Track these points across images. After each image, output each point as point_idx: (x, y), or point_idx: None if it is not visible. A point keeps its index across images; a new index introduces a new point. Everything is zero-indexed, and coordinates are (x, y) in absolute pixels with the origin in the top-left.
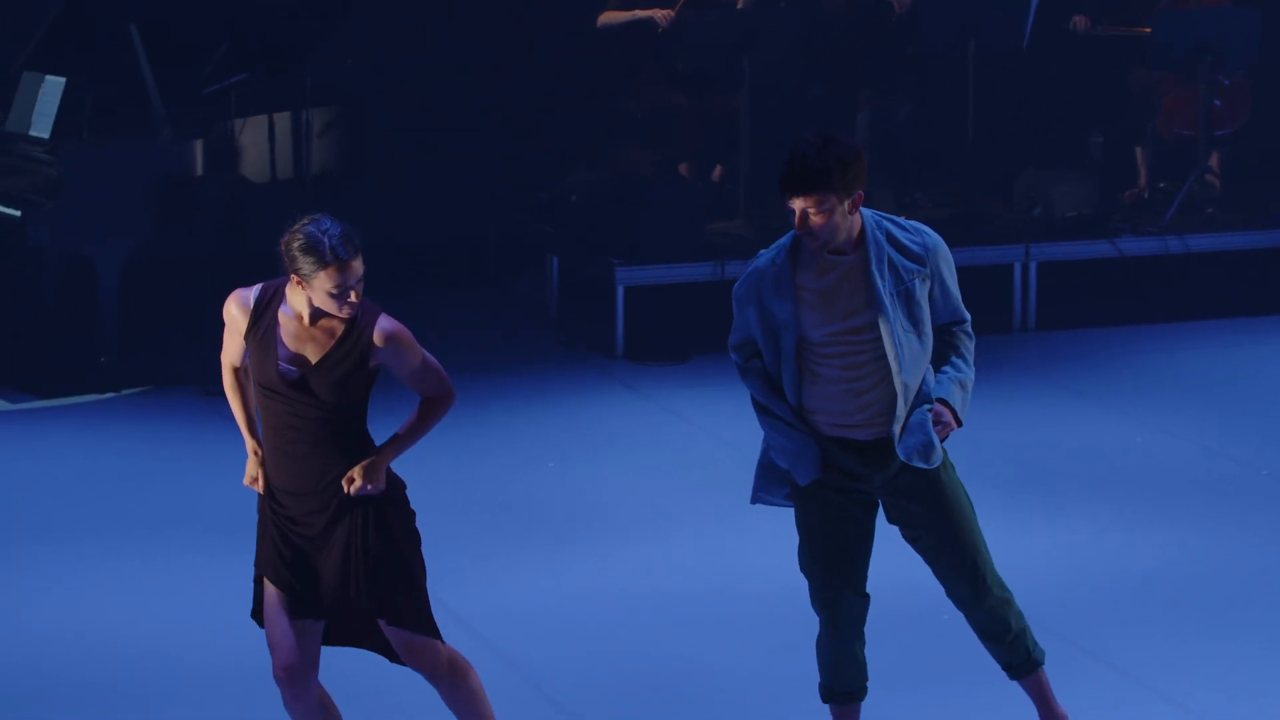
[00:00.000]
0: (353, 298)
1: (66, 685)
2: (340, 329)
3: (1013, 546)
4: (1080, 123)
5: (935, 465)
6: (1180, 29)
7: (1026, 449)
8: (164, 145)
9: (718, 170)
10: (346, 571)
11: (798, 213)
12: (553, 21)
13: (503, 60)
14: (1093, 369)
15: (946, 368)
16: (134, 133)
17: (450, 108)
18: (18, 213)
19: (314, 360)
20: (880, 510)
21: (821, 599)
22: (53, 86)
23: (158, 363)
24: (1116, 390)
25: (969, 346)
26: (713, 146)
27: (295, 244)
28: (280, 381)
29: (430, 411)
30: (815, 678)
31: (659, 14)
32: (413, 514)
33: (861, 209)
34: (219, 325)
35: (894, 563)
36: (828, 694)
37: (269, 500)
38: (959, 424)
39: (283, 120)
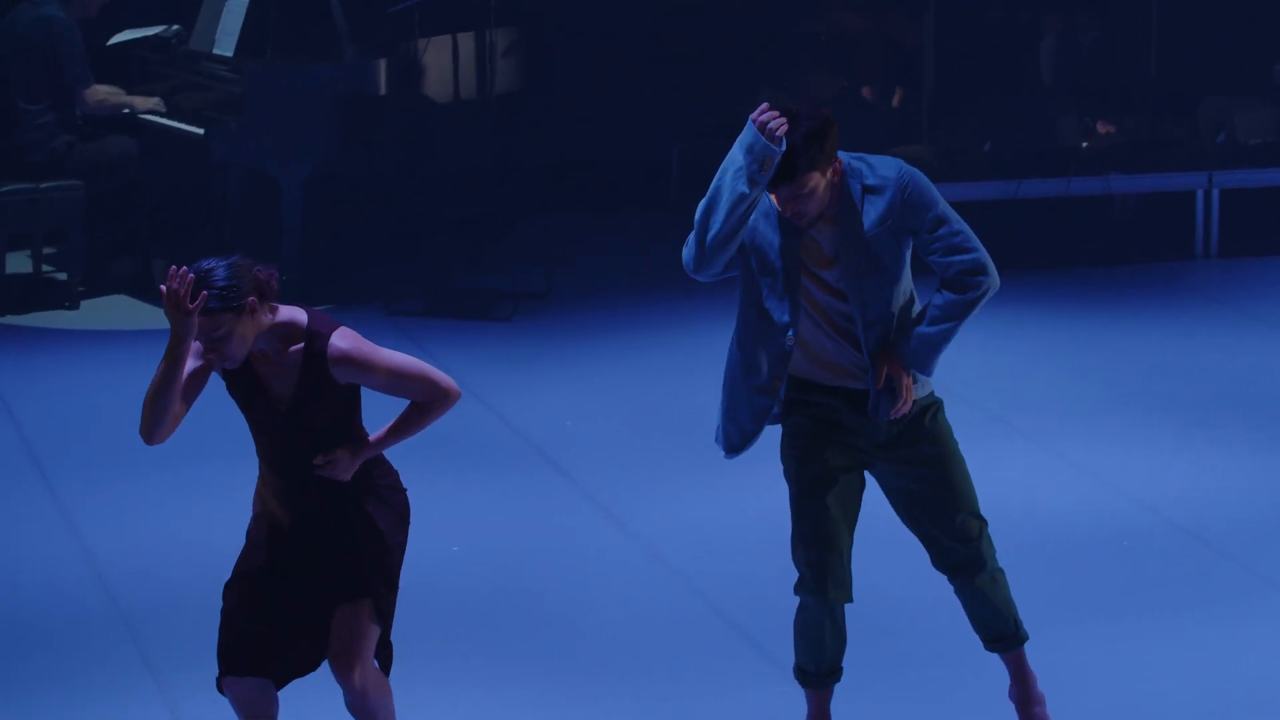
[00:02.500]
0: (214, 350)
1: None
2: (300, 359)
3: (1191, 473)
4: (1265, 49)
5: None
6: None
7: (1207, 375)
8: (347, 64)
9: (898, 94)
10: (329, 558)
11: (781, 200)
12: None
13: None
14: (1274, 296)
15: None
16: (318, 52)
17: (634, 29)
18: (201, 131)
19: (289, 396)
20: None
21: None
22: (237, 5)
23: (341, 281)
24: None
25: (961, 298)
26: (895, 70)
27: None
28: (269, 419)
29: (418, 414)
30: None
31: None
32: (404, 520)
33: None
34: (401, 244)
35: (1046, 490)
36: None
37: (267, 518)
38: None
39: (466, 40)
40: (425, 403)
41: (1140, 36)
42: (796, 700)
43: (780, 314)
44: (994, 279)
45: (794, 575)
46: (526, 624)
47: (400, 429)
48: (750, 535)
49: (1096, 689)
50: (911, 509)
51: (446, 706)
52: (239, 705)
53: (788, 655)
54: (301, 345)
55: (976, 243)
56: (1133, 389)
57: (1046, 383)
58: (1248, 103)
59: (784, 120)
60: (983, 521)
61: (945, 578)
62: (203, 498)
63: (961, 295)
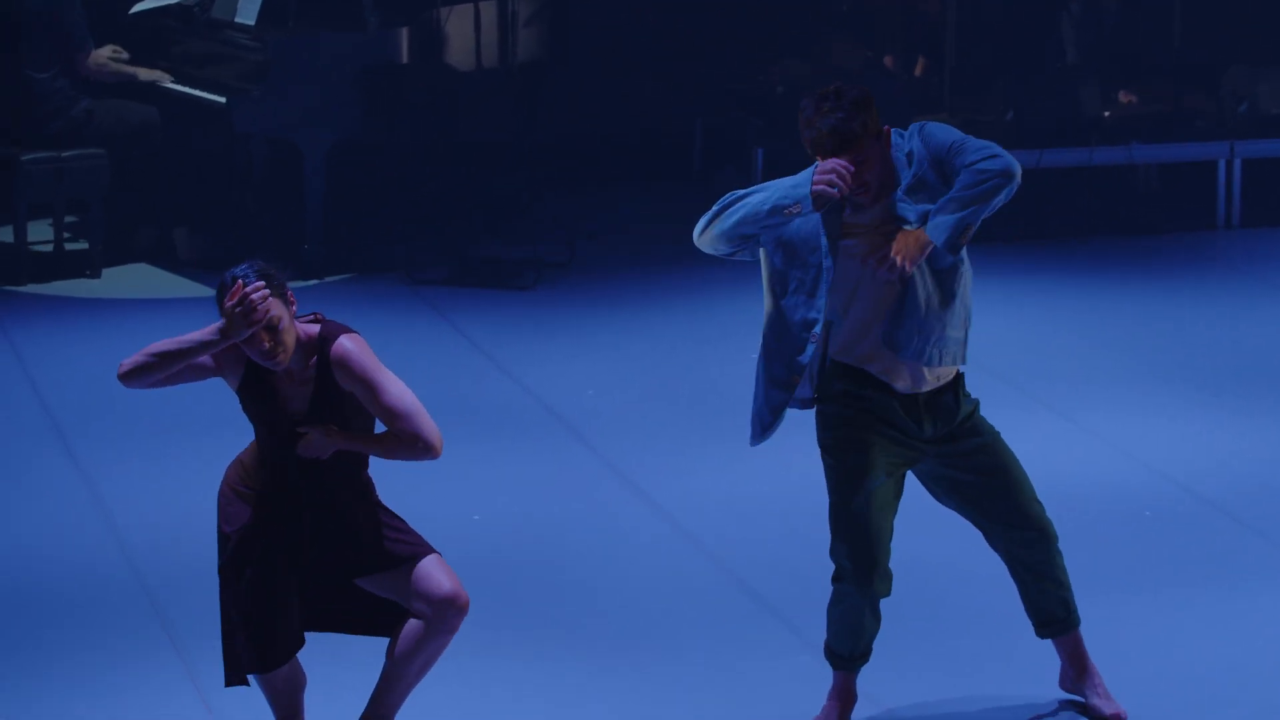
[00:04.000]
0: (273, 340)
1: None
2: (313, 368)
3: (1213, 443)
4: None
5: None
6: None
7: (1229, 345)
8: (369, 33)
9: (921, 64)
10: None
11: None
12: None
13: None
14: None
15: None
16: (340, 21)
17: None
18: (223, 100)
19: (305, 409)
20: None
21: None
22: None
23: (362, 250)
24: None
25: (985, 166)
26: (917, 39)
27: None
28: (282, 430)
29: (394, 442)
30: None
31: None
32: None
33: None
34: (424, 214)
35: (1067, 461)
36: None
37: (262, 511)
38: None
39: (489, 9)
40: (403, 442)
41: (1163, 5)
42: (818, 670)
43: (807, 310)
44: (1015, 164)
45: (817, 546)
46: (547, 593)
47: (375, 441)
48: (771, 504)
49: (1118, 661)
50: (976, 500)
51: (466, 675)
52: (270, 687)
53: (810, 624)
54: (316, 358)
55: (998, 148)
56: (1154, 359)
57: (1068, 353)
58: (1271, 72)
59: (836, 192)
60: (1042, 505)
61: (996, 555)
62: (224, 467)
63: (984, 165)
